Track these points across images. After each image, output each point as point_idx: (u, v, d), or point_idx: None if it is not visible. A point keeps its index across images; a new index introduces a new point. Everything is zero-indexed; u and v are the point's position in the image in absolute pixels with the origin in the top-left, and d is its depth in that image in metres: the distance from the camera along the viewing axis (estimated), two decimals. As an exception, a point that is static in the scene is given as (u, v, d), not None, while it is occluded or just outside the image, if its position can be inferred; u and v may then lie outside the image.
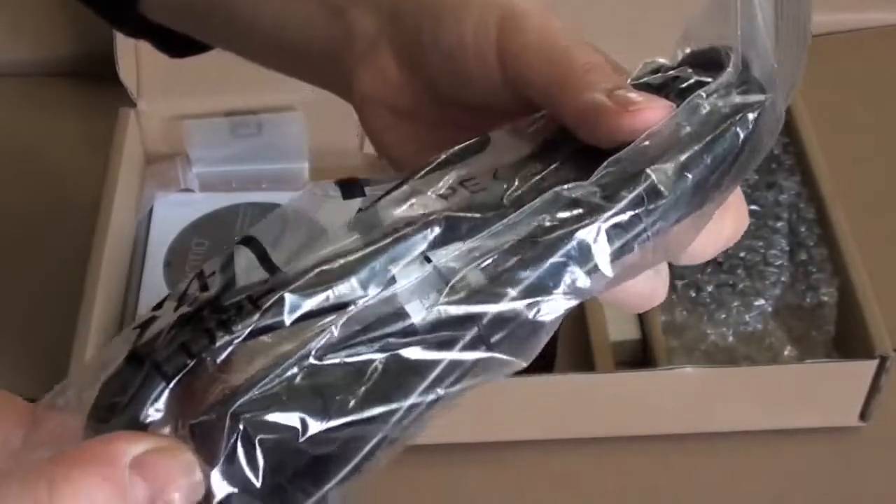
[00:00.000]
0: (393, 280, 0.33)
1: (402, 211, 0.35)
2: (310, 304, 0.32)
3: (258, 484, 0.31)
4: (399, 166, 0.43)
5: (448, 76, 0.41)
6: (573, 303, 0.34)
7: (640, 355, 0.74)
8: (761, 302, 0.73)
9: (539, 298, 0.33)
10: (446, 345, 0.33)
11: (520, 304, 0.33)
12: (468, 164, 0.37)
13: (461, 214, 0.34)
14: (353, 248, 0.33)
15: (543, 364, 0.70)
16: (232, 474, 0.30)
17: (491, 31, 0.39)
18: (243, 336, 0.31)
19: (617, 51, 0.84)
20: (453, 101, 0.42)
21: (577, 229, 0.34)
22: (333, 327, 0.32)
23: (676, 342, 0.72)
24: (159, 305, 0.35)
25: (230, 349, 0.31)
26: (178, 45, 0.54)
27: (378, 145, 0.44)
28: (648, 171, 0.35)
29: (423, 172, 0.36)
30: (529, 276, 0.33)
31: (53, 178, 0.85)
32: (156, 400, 0.31)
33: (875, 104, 0.91)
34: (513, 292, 0.33)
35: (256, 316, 0.31)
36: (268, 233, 0.34)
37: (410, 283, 0.33)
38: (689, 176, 0.35)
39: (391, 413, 0.33)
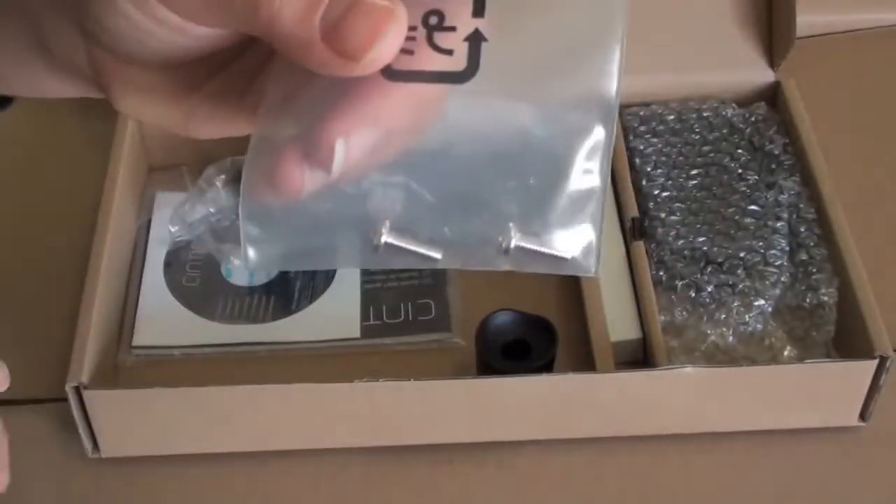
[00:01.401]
0: None
1: None
2: None
3: None
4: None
5: (136, 44, 0.37)
6: None
7: (640, 355, 0.74)
8: (761, 302, 0.73)
9: None
10: None
11: None
12: None
13: None
14: None
15: (543, 364, 0.70)
16: None
17: None
18: None
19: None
20: (168, 65, 0.38)
21: None
22: None
23: (676, 342, 0.73)
24: None
25: None
26: None
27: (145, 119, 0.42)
28: None
29: None
30: None
31: (53, 179, 0.85)
32: None
33: (875, 104, 0.91)
34: None
35: None
36: None
37: None
38: None
39: None
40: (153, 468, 0.70)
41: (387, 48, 0.33)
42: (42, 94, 0.46)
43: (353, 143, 0.34)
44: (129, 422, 0.69)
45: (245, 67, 0.39)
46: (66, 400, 0.67)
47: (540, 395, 0.68)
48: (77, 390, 0.67)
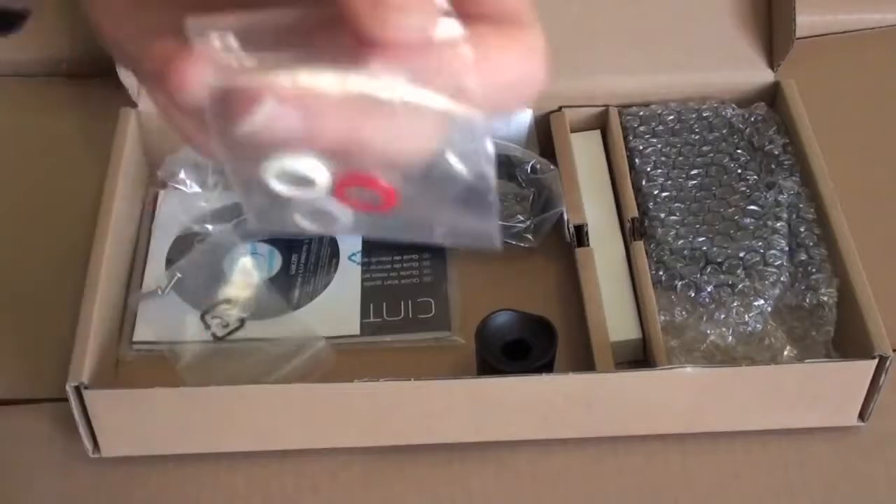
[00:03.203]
0: None
1: None
2: None
3: None
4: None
5: None
6: None
7: (639, 355, 0.74)
8: (761, 302, 0.73)
9: None
10: None
11: None
12: None
13: None
14: None
15: (543, 364, 0.70)
16: None
17: None
18: None
19: (617, 53, 0.83)
20: None
21: None
22: None
23: (676, 342, 0.73)
24: None
25: None
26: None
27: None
28: None
29: None
30: None
31: (53, 178, 0.85)
32: None
33: (875, 104, 0.91)
34: None
35: None
36: None
37: None
38: None
39: None
40: (153, 468, 0.70)
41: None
42: None
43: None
44: (129, 422, 0.69)
45: None
46: (66, 400, 0.67)
47: (540, 395, 0.68)
48: (77, 390, 0.67)
